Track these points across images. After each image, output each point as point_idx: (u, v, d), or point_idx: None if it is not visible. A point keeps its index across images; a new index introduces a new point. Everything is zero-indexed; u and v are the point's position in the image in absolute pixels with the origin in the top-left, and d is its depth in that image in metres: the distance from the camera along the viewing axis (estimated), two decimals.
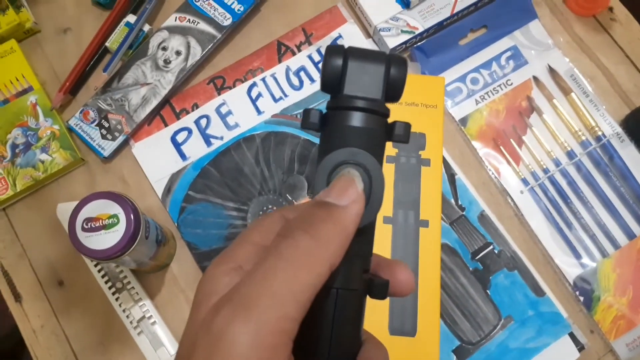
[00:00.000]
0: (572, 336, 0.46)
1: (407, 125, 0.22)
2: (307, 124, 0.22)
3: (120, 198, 0.37)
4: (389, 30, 0.51)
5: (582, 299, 0.47)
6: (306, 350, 0.21)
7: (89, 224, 0.36)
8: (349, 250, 0.21)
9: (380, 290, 0.22)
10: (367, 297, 0.23)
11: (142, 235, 0.38)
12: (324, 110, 0.22)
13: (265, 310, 0.18)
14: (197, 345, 0.18)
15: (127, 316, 0.46)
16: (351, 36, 0.53)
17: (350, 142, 0.21)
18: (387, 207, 0.44)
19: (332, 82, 0.21)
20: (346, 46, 0.22)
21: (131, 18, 0.53)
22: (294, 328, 0.18)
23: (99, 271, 0.47)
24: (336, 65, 0.21)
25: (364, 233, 0.22)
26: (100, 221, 0.36)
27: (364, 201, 0.20)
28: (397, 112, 0.46)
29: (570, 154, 0.50)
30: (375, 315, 0.41)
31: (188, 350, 0.19)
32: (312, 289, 0.19)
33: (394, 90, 0.22)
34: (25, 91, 0.51)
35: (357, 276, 0.22)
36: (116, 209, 0.36)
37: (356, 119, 0.21)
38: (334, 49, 0.22)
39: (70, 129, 0.51)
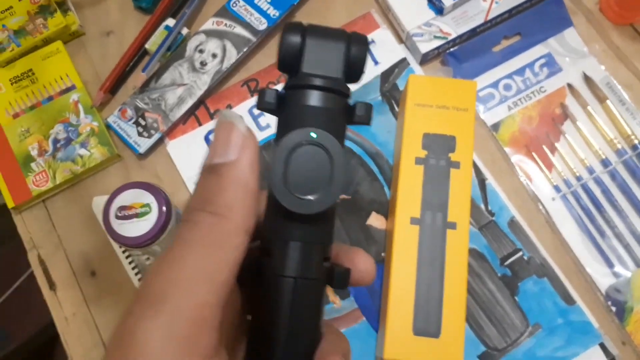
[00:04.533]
0: (603, 347, 0.45)
1: (369, 106, 0.21)
2: (263, 104, 0.21)
3: (153, 188, 0.38)
4: (422, 35, 0.52)
5: (614, 309, 0.46)
6: (262, 343, 0.20)
7: (123, 212, 0.37)
8: (308, 236, 0.20)
9: (341, 279, 0.21)
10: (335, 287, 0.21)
11: (173, 225, 0.39)
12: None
13: (175, 301, 0.16)
14: (109, 352, 0.17)
15: None
16: (384, 42, 0.54)
17: (309, 123, 0.20)
18: (414, 208, 0.44)
19: (289, 61, 0.20)
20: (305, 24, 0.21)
21: (170, 22, 0.55)
22: (213, 314, 0.17)
23: (130, 263, 0.48)
24: (294, 43, 0.20)
25: (324, 218, 0.21)
26: (133, 209, 0.38)
27: (255, 141, 0.19)
28: (428, 114, 0.46)
29: (605, 162, 0.49)
30: (400, 314, 0.41)
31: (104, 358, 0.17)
32: (229, 265, 0.17)
33: (354, 69, 0.21)
34: (68, 89, 0.54)
35: (316, 264, 0.21)
36: (149, 198, 0.38)
37: (315, 98, 0.20)
38: (292, 26, 0.21)
39: (109, 126, 0.53)
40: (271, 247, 0.21)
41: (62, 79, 0.54)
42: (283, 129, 0.20)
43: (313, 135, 0.19)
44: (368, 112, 0.21)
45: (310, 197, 0.19)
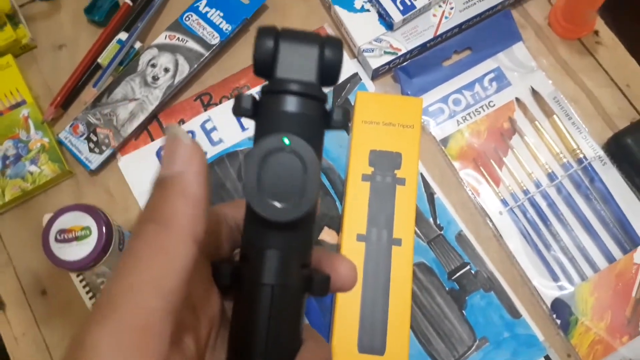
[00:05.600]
0: (548, 359, 0.46)
1: (345, 111, 0.21)
2: (239, 110, 0.20)
3: (93, 210, 0.38)
4: (373, 51, 0.52)
5: (559, 322, 0.47)
6: (240, 352, 0.20)
7: (62, 235, 0.37)
8: (285, 243, 0.20)
9: (321, 286, 0.21)
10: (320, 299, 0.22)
11: (115, 247, 0.39)
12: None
13: (122, 308, 0.16)
14: None
15: None
16: None
17: (285, 128, 0.20)
18: (361, 225, 0.44)
19: (264, 65, 0.20)
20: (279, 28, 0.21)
21: (123, 35, 0.55)
22: (162, 320, 0.17)
23: (81, 281, 0.48)
24: (268, 47, 0.20)
25: (301, 225, 0.21)
26: (73, 232, 0.37)
27: (200, 153, 0.19)
28: (375, 131, 0.46)
29: (551, 176, 0.50)
30: (345, 331, 0.41)
31: None
32: (176, 272, 0.17)
33: (329, 73, 0.20)
34: (18, 104, 0.53)
35: (294, 271, 0.21)
36: (88, 221, 0.37)
37: (290, 104, 0.20)
38: (266, 30, 0.20)
39: (60, 142, 0.52)
40: (248, 254, 0.21)
41: (11, 93, 0.53)
42: (259, 134, 0.20)
43: (286, 141, 0.19)
44: (345, 117, 0.21)
45: (284, 205, 0.19)
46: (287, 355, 0.21)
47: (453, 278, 0.48)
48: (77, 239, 0.37)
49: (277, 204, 0.19)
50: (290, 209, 0.19)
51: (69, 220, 0.38)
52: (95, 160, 0.51)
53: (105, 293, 0.17)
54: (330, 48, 0.20)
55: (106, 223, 0.38)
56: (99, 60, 0.54)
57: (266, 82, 0.21)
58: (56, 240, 0.37)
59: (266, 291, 0.20)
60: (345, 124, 0.21)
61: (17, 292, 0.49)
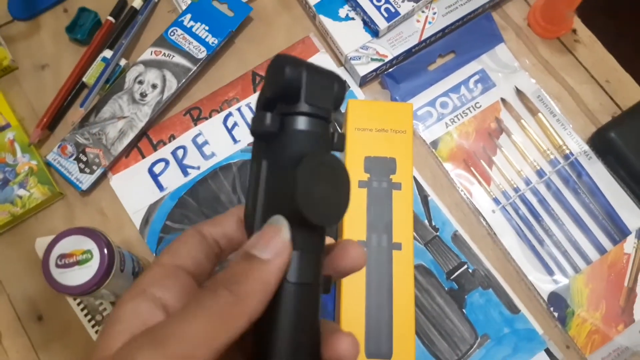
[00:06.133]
0: (549, 352, 0.47)
1: (342, 135, 0.24)
2: (263, 128, 0.22)
3: (94, 233, 0.37)
4: (359, 58, 0.53)
5: (556, 314, 0.48)
6: (266, 352, 0.22)
7: (63, 260, 0.37)
8: (309, 245, 0.22)
9: (326, 285, 0.23)
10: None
11: (117, 269, 0.38)
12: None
13: (174, 347, 0.19)
14: None
15: None
16: (324, 65, 0.54)
17: (310, 146, 0.22)
18: (360, 231, 0.45)
19: (288, 91, 0.22)
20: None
21: (108, 53, 0.54)
22: None
23: (79, 304, 0.47)
24: (297, 75, 0.22)
25: (323, 230, 0.23)
26: (74, 257, 0.37)
27: (290, 251, 0.21)
28: (368, 138, 0.47)
29: (540, 173, 0.52)
30: None
31: None
32: (226, 339, 0.20)
33: (338, 104, 0.24)
34: (2, 128, 0.52)
35: (317, 270, 0.23)
36: (89, 244, 0.37)
37: (315, 125, 0.22)
38: (293, 63, 0.22)
39: (49, 164, 0.51)
40: None
41: None
42: (280, 149, 0.22)
43: (330, 157, 0.22)
44: (342, 140, 0.24)
45: (328, 211, 0.22)
46: (313, 347, 0.23)
47: (451, 278, 0.49)
48: (78, 263, 0.37)
49: (323, 212, 0.22)
50: (334, 215, 0.22)
51: (69, 244, 0.37)
52: (86, 180, 0.51)
53: (164, 323, 0.20)
54: (341, 83, 0.24)
55: (107, 245, 0.37)
56: (84, 79, 0.54)
57: (284, 104, 0.23)
58: (57, 265, 0.37)
59: (292, 288, 0.22)
60: (342, 147, 0.24)
61: (12, 319, 0.48)
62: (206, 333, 0.19)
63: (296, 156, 0.22)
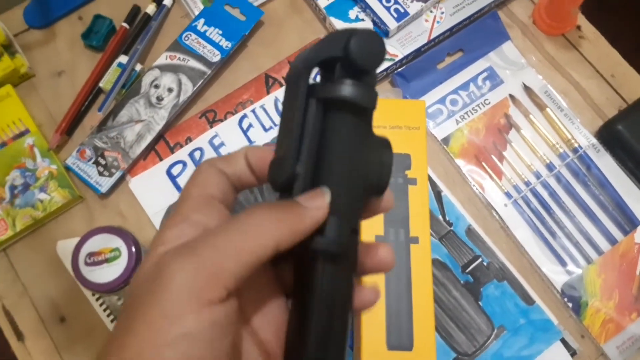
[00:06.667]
0: (564, 342, 0.48)
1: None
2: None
3: (121, 232, 0.38)
4: None
5: (570, 305, 0.49)
6: (304, 311, 0.24)
7: (92, 258, 0.38)
8: (351, 216, 0.24)
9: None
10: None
11: None
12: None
13: (206, 257, 0.21)
14: (145, 277, 0.22)
15: None
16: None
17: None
18: (378, 226, 0.46)
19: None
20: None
21: (123, 59, 0.55)
22: (230, 280, 0.21)
23: (101, 305, 0.48)
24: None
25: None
26: (103, 255, 0.38)
27: (326, 213, 0.23)
28: (383, 135, 0.48)
29: (550, 166, 0.53)
30: (373, 331, 0.42)
31: (136, 282, 0.22)
32: (254, 255, 0.21)
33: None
34: (22, 134, 0.53)
35: (352, 242, 0.24)
36: (117, 242, 0.38)
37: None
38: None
39: (68, 168, 0.52)
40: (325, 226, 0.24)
41: (14, 123, 0.53)
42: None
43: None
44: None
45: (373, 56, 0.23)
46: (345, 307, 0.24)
47: (467, 271, 0.50)
48: (107, 260, 0.38)
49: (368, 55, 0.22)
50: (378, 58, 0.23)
51: (97, 242, 0.38)
52: (105, 183, 0.51)
53: (197, 238, 0.22)
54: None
55: (135, 243, 0.38)
56: (101, 84, 0.55)
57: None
58: (86, 263, 0.37)
59: (328, 254, 0.23)
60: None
61: (35, 321, 0.49)
62: (236, 247, 0.21)
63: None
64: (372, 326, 0.43)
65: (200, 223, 0.23)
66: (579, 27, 0.58)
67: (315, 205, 0.23)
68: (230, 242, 0.21)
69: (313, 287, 0.23)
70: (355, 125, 0.24)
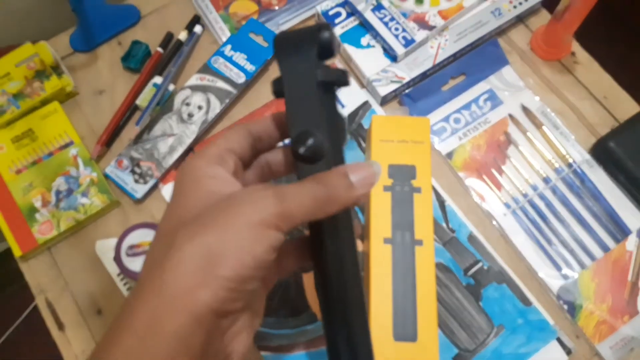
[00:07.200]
0: (560, 341, 0.52)
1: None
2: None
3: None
4: (380, 81, 0.59)
5: (566, 307, 0.53)
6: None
7: (133, 250, 0.43)
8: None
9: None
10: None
11: None
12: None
13: (214, 229, 0.24)
14: (175, 238, 0.25)
15: None
16: (348, 88, 0.61)
17: None
18: (386, 230, 0.50)
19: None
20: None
21: (158, 79, 0.61)
22: (273, 237, 0.25)
23: None
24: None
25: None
26: (142, 247, 0.43)
27: (370, 189, 0.27)
28: (391, 148, 0.53)
29: (546, 180, 0.57)
30: (381, 323, 0.47)
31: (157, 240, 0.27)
32: (289, 222, 0.25)
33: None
34: (67, 145, 0.59)
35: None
36: None
37: None
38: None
39: (107, 176, 0.58)
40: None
41: (60, 136, 0.59)
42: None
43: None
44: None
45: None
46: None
47: (468, 274, 0.54)
48: (145, 252, 0.43)
49: None
50: None
51: (137, 236, 0.43)
52: (140, 190, 0.57)
53: (216, 204, 0.26)
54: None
55: None
56: (137, 102, 0.61)
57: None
58: (127, 254, 0.43)
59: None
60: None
61: (74, 313, 0.54)
62: (276, 208, 0.25)
63: None
64: (380, 319, 0.47)
65: (217, 176, 0.28)
66: (573, 53, 0.63)
67: (360, 177, 0.27)
68: (270, 201, 0.26)
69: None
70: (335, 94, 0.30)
